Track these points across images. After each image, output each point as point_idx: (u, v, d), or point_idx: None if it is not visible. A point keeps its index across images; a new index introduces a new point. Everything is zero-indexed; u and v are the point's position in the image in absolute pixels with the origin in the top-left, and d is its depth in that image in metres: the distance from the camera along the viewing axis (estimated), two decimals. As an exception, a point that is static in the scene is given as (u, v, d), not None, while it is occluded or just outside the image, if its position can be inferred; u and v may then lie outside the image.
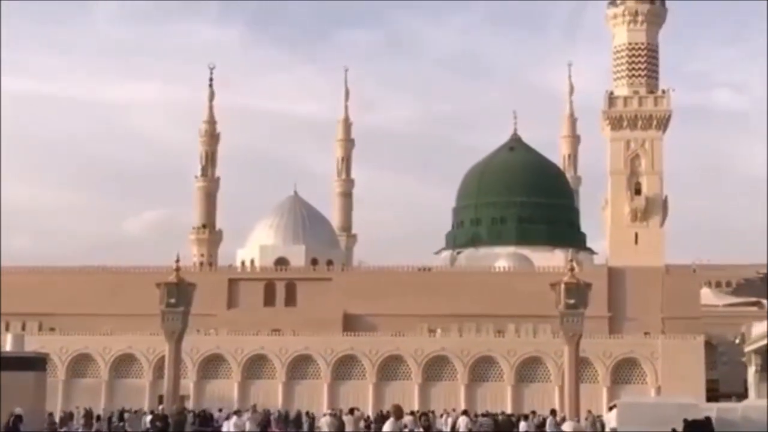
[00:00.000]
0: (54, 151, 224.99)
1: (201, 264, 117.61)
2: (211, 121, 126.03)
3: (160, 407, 60.84)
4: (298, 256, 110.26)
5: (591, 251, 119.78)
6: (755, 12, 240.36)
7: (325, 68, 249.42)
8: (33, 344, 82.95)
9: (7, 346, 55.86)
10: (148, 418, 55.78)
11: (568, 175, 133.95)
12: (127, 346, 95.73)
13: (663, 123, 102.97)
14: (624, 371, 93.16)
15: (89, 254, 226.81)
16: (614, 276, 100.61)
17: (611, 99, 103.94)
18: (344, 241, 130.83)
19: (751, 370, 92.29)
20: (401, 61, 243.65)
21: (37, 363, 53.38)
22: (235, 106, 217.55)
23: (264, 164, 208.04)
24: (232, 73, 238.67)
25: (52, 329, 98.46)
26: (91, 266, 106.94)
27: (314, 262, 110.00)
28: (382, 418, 55.81)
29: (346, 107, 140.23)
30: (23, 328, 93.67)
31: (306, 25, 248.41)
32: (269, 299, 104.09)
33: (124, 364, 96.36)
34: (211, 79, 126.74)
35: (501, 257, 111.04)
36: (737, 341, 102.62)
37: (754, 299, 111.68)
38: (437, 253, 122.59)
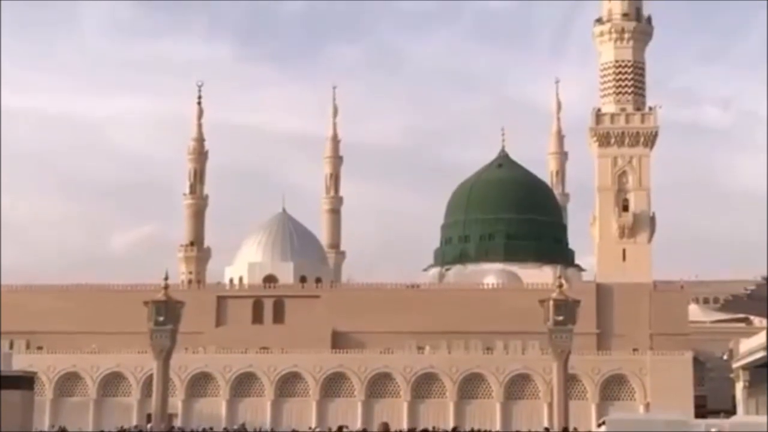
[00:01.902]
0: (40, 166, 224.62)
1: (189, 282, 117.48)
2: (200, 139, 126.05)
3: (149, 426, 60.69)
4: (286, 274, 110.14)
5: (579, 268, 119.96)
6: (740, 28, 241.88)
7: (313, 84, 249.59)
8: (20, 363, 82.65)
9: (-5, 365, 55.63)
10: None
11: (556, 191, 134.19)
12: (115, 365, 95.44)
13: (650, 139, 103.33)
14: (613, 388, 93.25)
15: (77, 271, 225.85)
16: (602, 292, 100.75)
17: (598, 116, 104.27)
18: (333, 258, 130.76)
19: (739, 386, 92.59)
20: (389, 76, 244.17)
21: (24, 382, 53.17)
22: (223, 122, 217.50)
23: (252, 181, 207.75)
24: (220, 89, 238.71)
25: (39, 348, 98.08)
26: (78, 284, 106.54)
27: (303, 279, 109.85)
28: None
29: (335, 124, 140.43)
30: (11, 347, 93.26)
31: (294, 41, 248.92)
32: (257, 317, 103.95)
33: (112, 383, 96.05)
34: (199, 97, 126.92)
35: (489, 274, 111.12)
36: (725, 357, 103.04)
37: (741, 315, 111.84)
38: (426, 269, 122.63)
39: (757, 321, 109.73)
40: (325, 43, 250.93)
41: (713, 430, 33.11)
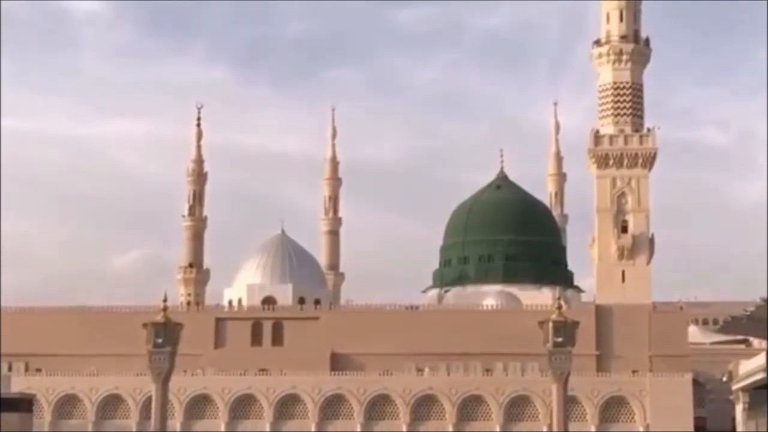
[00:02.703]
0: (40, 188, 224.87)
1: (188, 303, 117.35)
2: (199, 161, 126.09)
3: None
4: (285, 295, 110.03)
5: (578, 289, 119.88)
6: (739, 49, 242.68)
7: (312, 106, 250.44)
8: (19, 385, 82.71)
9: (-7, 387, 55.53)
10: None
11: (555, 213, 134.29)
12: (114, 387, 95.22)
13: (649, 161, 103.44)
14: (612, 409, 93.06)
15: (76, 293, 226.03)
16: (602, 314, 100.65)
17: (597, 137, 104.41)
18: (332, 280, 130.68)
19: (739, 408, 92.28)
20: (388, 98, 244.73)
21: (23, 404, 53.11)
22: (222, 144, 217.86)
23: (251, 203, 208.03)
24: (220, 111, 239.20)
25: (38, 370, 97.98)
26: (77, 306, 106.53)
27: (301, 301, 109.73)
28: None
29: (333, 146, 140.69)
30: (9, 369, 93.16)
31: (293, 63, 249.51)
32: (256, 339, 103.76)
33: (110, 405, 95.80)
34: (198, 119, 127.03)
35: (488, 295, 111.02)
36: (725, 379, 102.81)
37: (741, 337, 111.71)
38: (425, 291, 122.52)
39: (757, 342, 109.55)
40: (324, 66, 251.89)
41: None
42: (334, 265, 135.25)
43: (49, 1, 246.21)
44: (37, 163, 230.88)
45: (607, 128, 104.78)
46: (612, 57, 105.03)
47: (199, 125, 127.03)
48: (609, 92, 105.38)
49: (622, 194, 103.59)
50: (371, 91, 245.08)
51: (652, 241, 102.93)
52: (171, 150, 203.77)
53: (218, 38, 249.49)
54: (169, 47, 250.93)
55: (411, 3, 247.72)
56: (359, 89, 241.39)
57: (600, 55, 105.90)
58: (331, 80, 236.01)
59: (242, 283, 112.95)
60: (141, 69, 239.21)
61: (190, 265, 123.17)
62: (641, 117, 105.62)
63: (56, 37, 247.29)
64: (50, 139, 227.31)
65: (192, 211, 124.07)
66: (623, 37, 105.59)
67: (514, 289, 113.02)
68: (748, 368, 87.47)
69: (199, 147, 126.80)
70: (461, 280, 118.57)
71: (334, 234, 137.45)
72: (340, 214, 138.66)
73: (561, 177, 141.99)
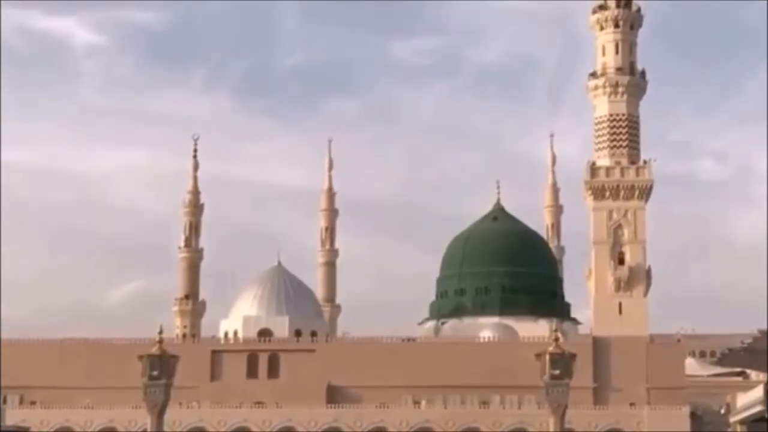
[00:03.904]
0: (34, 220, 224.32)
1: (184, 335, 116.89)
2: (195, 192, 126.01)
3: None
4: (281, 327, 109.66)
5: (575, 321, 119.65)
6: (736, 81, 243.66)
7: (309, 137, 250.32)
8: (14, 418, 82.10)
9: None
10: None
11: (552, 244, 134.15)
12: (109, 420, 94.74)
13: (645, 193, 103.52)
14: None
15: (71, 325, 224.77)
16: (599, 346, 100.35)
17: (593, 169, 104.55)
18: (328, 312, 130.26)
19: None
20: (385, 130, 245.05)
21: (17, 437, 52.77)
22: (219, 175, 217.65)
23: (247, 234, 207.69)
24: (216, 142, 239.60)
25: (33, 402, 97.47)
26: (72, 338, 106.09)
27: (298, 333, 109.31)
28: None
29: (330, 177, 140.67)
30: (4, 402, 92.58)
31: (290, 94, 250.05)
32: (252, 371, 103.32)
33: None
34: (195, 150, 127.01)
35: (485, 327, 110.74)
36: (722, 412, 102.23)
37: (738, 369, 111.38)
38: (421, 323, 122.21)
39: (754, 375, 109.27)
40: (322, 97, 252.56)
41: None
42: (330, 297, 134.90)
43: (48, 34, 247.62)
44: (33, 195, 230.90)
45: (604, 160, 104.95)
46: (608, 89, 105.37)
47: (195, 156, 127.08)
48: (605, 124, 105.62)
49: (619, 226, 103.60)
50: (369, 122, 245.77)
51: (648, 273, 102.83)
52: (167, 181, 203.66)
53: (217, 69, 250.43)
54: (167, 78, 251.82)
55: (409, 35, 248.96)
56: (356, 120, 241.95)
57: (596, 87, 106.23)
58: (328, 111, 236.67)
59: (238, 315, 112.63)
60: (140, 100, 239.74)
61: (186, 297, 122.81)
62: (637, 149, 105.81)
63: (55, 68, 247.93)
64: (44, 171, 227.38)
65: (188, 242, 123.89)
66: (619, 69, 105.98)
67: (510, 321, 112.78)
68: (746, 401, 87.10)
69: (195, 178, 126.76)
70: (458, 311, 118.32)
71: (330, 266, 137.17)
72: (337, 245, 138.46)
73: (557, 209, 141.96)
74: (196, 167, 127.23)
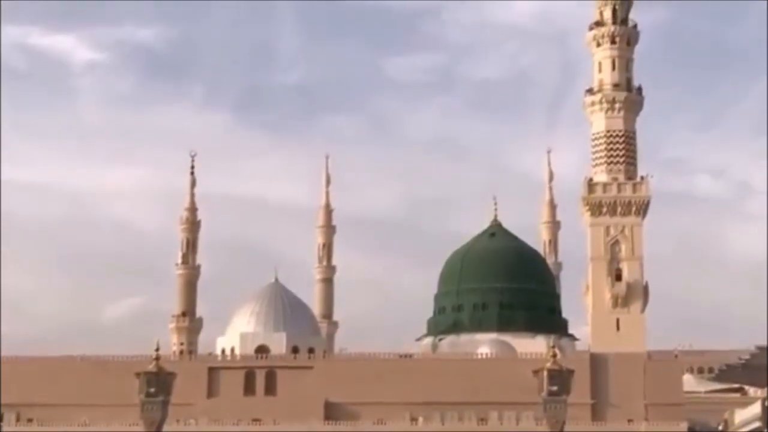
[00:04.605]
0: (32, 237, 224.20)
1: (181, 352, 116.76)
2: (192, 209, 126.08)
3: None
4: (278, 344, 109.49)
5: (573, 337, 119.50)
6: (733, 97, 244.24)
7: (306, 154, 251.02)
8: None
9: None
10: None
11: (549, 260, 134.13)
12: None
13: (642, 209, 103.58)
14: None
15: (67, 342, 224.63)
16: (596, 362, 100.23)
17: (590, 185, 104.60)
18: (325, 328, 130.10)
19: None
20: (383, 146, 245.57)
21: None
22: (216, 192, 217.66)
23: (245, 251, 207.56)
24: (214, 158, 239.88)
25: (29, 420, 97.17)
26: (69, 356, 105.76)
27: (295, 350, 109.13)
28: None
29: (327, 193, 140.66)
30: (1, 419, 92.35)
31: (288, 110, 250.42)
32: (249, 388, 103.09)
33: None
34: (192, 167, 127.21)
35: (483, 344, 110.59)
36: (720, 428, 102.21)
37: (736, 385, 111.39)
38: (419, 339, 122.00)
39: (752, 391, 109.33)
40: (320, 113, 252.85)
41: None
42: (327, 314, 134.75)
43: (48, 51, 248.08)
44: (30, 212, 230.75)
45: (601, 176, 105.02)
46: (605, 105, 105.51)
47: (192, 173, 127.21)
48: (602, 140, 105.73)
49: (616, 242, 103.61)
50: (366, 139, 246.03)
51: (646, 289, 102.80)
52: (165, 198, 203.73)
53: (214, 86, 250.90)
54: (166, 95, 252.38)
55: (407, 52, 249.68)
56: (354, 137, 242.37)
57: (593, 104, 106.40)
58: (326, 127, 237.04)
59: (235, 332, 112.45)
60: (138, 117, 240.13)
61: (183, 314, 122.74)
62: (634, 165, 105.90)
63: (53, 86, 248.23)
64: (44, 188, 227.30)
65: (185, 259, 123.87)
66: (616, 86, 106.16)
67: (508, 338, 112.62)
68: (744, 417, 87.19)
69: (192, 195, 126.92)
70: (455, 328, 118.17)
71: (328, 282, 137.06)
72: (334, 262, 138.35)
73: (555, 225, 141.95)
74: (193, 184, 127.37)
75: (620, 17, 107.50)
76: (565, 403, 61.12)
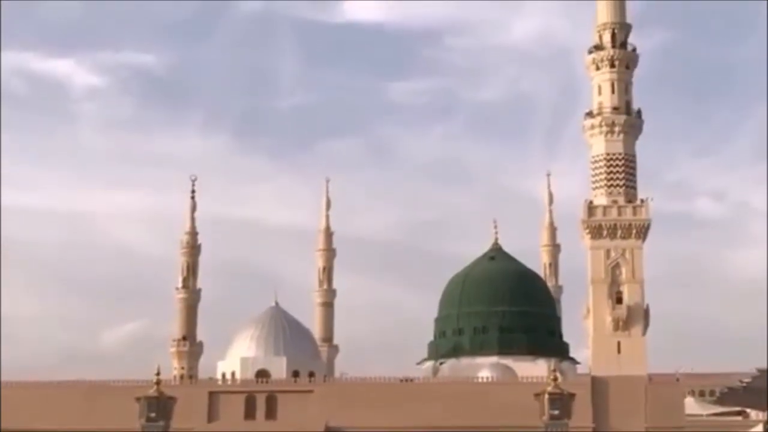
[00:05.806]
0: (31, 261, 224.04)
1: (181, 377, 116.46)
2: (193, 233, 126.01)
3: None
4: (279, 368, 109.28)
5: (574, 361, 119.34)
6: (733, 120, 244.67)
7: (306, 177, 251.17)
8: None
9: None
10: None
11: (549, 284, 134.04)
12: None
13: (642, 232, 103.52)
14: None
15: (67, 368, 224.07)
16: (597, 386, 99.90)
17: (590, 208, 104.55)
18: (326, 352, 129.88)
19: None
20: (383, 170, 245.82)
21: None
22: (216, 216, 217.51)
23: (245, 275, 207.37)
24: (214, 182, 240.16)
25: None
26: (68, 381, 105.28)
27: (295, 374, 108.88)
28: None
29: (327, 217, 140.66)
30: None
31: (288, 134, 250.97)
32: (250, 412, 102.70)
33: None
34: (192, 191, 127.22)
35: (484, 367, 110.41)
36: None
37: (738, 408, 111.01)
38: (420, 363, 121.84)
39: (754, 414, 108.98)
40: (320, 137, 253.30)
41: None
42: (328, 337, 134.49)
43: (47, 75, 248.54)
44: (30, 236, 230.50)
45: (601, 199, 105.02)
46: (604, 128, 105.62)
47: (193, 197, 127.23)
48: (602, 163, 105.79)
49: (617, 265, 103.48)
50: (366, 163, 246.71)
51: (647, 312, 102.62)
52: (165, 222, 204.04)
53: (214, 110, 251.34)
54: (166, 119, 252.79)
55: (406, 76, 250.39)
56: (354, 160, 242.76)
57: (592, 127, 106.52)
58: (326, 151, 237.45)
59: (236, 356, 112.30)
60: (138, 141, 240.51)
61: (184, 338, 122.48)
62: (635, 188, 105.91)
63: (55, 111, 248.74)
64: (44, 213, 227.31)
65: (185, 283, 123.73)
66: (615, 109, 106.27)
67: (509, 361, 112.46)
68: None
69: (192, 219, 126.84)
70: (456, 351, 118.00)
71: (328, 306, 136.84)
72: (335, 285, 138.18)
73: (555, 248, 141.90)
74: (193, 208, 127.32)
75: (619, 41, 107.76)
76: (566, 427, 61.18)
